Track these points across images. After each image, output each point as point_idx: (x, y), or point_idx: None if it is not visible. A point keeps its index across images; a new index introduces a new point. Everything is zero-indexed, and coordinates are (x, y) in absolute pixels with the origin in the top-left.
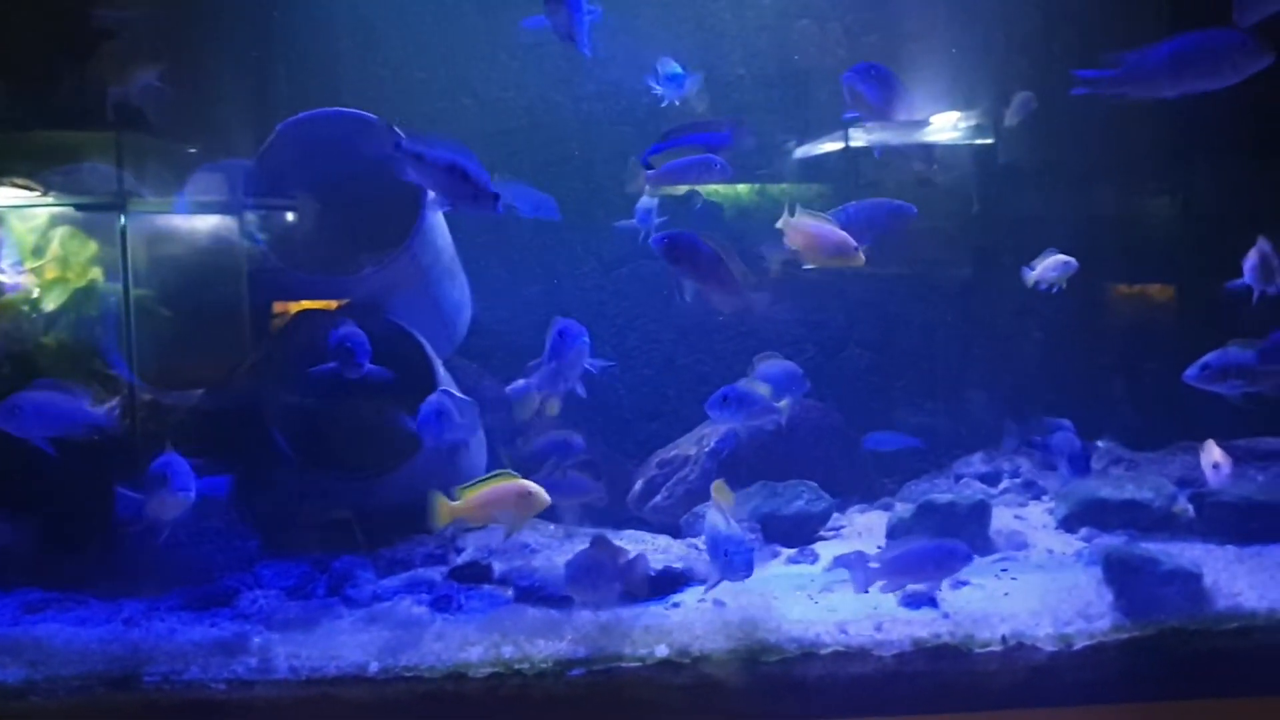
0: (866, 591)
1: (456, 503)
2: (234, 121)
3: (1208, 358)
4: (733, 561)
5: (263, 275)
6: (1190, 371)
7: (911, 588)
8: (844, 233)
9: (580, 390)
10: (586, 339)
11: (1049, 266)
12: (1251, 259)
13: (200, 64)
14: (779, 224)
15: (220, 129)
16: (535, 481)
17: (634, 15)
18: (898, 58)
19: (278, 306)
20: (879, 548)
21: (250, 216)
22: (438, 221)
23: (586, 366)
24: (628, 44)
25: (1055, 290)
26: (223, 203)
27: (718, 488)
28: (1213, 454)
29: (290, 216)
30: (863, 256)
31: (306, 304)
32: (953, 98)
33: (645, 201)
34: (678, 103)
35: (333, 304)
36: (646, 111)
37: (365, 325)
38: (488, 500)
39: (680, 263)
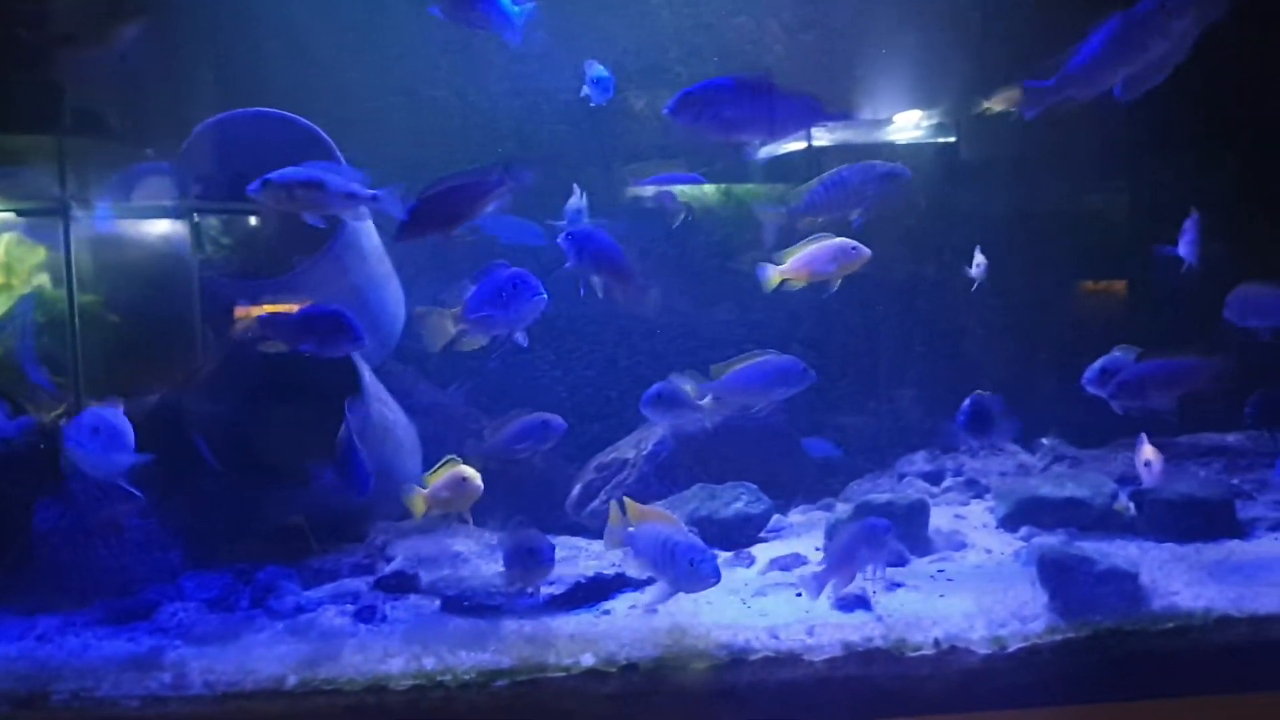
0: (817, 597)
1: (425, 490)
2: (160, 124)
3: (1104, 360)
4: (700, 570)
5: (188, 280)
6: (1089, 376)
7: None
8: (836, 241)
9: (523, 340)
10: (545, 299)
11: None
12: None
13: (128, 65)
14: (771, 283)
15: (146, 131)
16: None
17: (569, 13)
18: (836, 55)
19: (239, 311)
20: (817, 549)
21: (172, 220)
22: (365, 224)
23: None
24: (562, 41)
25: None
26: (144, 207)
27: (629, 505)
28: (1144, 452)
29: (212, 220)
30: (869, 251)
31: (269, 308)
32: (895, 94)
33: (574, 202)
34: (604, 104)
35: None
36: (581, 110)
37: None
38: (440, 488)
39: (586, 259)
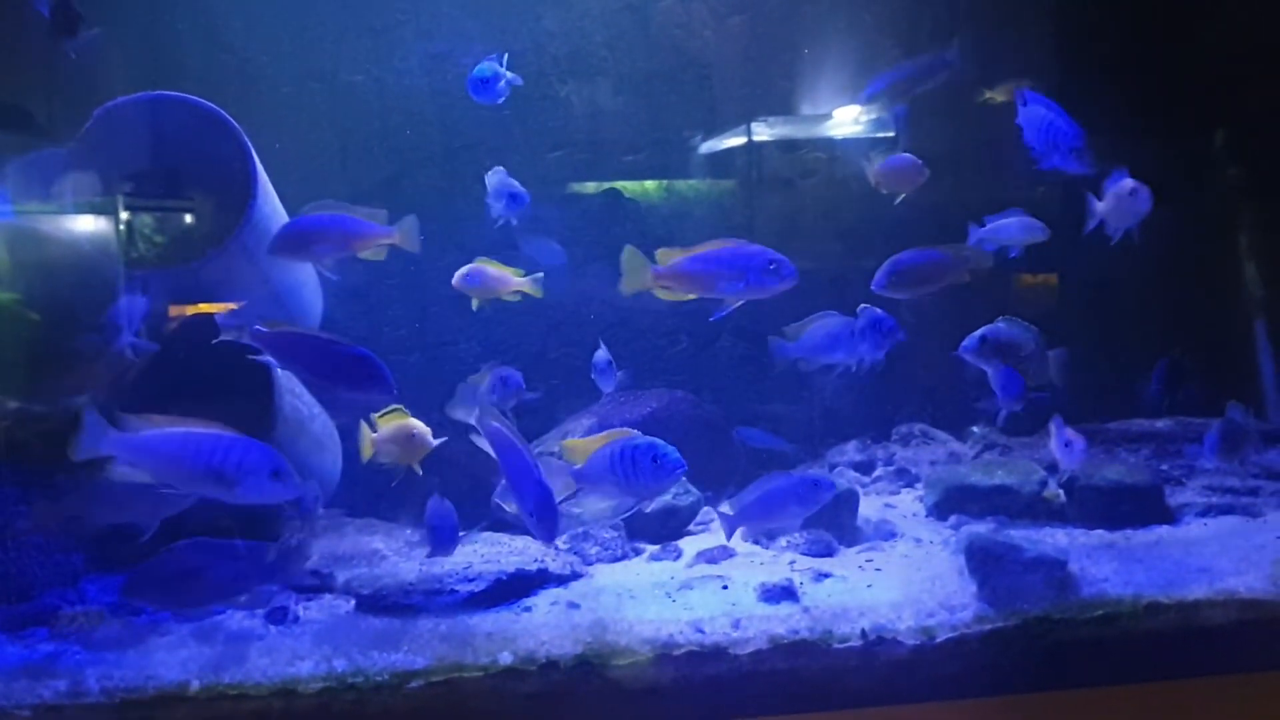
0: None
1: (375, 434)
2: (66, 110)
3: (985, 330)
4: (665, 464)
5: (111, 276)
6: (968, 344)
7: (777, 578)
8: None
9: None
10: None
11: (1004, 227)
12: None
13: (31, 50)
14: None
15: (51, 118)
16: None
17: None
18: (766, 42)
19: (173, 310)
20: (745, 540)
21: (83, 212)
22: (275, 210)
23: None
24: (484, 24)
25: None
26: (41, 196)
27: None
28: (1064, 434)
29: (113, 208)
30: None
31: (204, 307)
32: (831, 84)
33: (501, 181)
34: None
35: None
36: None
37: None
38: (384, 437)
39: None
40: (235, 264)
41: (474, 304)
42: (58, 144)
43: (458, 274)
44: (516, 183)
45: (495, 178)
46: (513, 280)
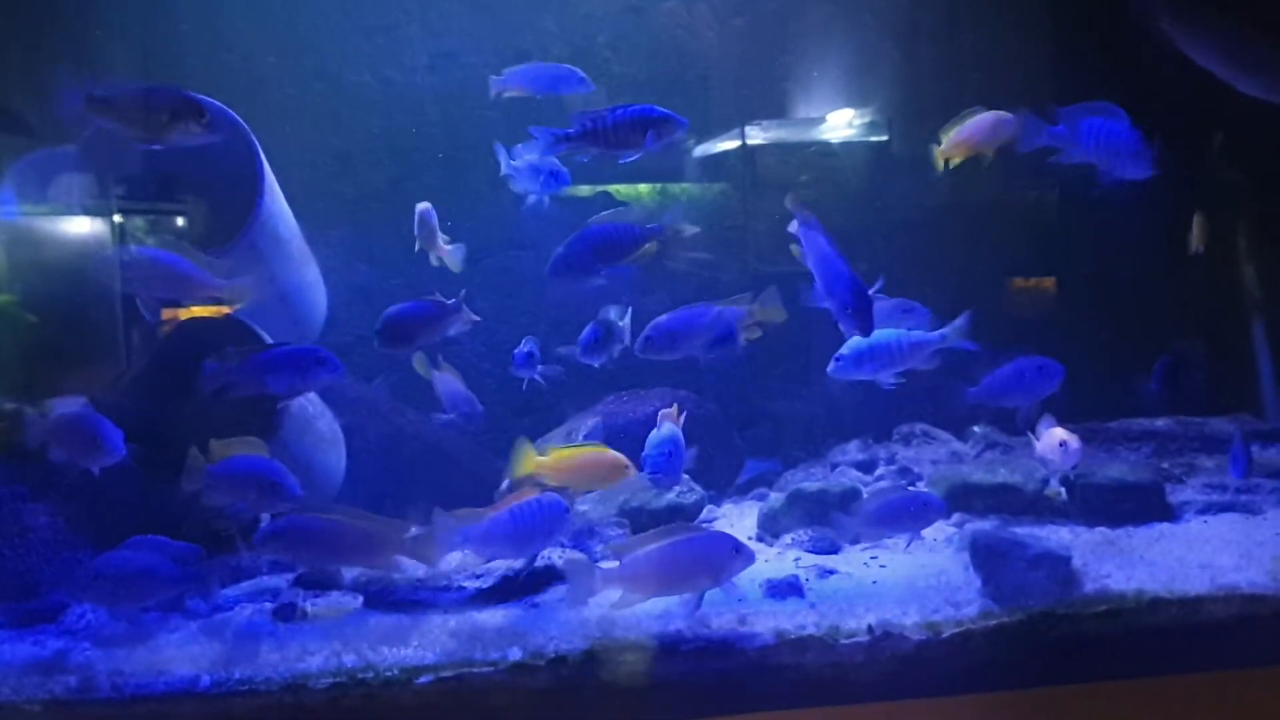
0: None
1: (545, 458)
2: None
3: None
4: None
5: (109, 277)
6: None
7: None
8: (991, 113)
9: None
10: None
11: None
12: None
13: (38, 50)
14: (938, 163)
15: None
16: None
17: None
18: (768, 43)
19: (166, 313)
20: (749, 539)
21: (84, 212)
22: (281, 209)
23: None
24: (488, 24)
25: None
26: (44, 197)
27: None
28: (1057, 436)
29: (119, 208)
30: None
31: (196, 311)
32: (829, 86)
33: (544, 157)
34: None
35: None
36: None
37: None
38: (580, 465)
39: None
40: (242, 263)
41: (417, 246)
42: (58, 144)
43: (419, 206)
44: (558, 160)
45: (537, 153)
46: (440, 246)
